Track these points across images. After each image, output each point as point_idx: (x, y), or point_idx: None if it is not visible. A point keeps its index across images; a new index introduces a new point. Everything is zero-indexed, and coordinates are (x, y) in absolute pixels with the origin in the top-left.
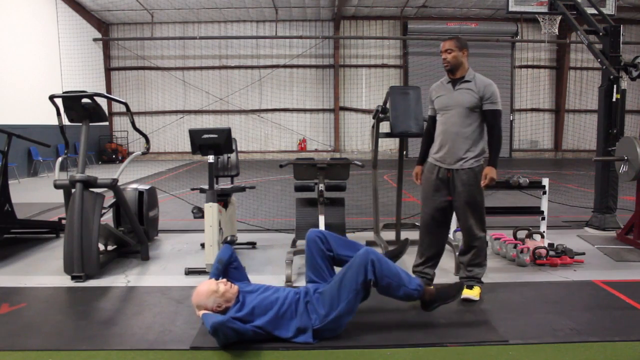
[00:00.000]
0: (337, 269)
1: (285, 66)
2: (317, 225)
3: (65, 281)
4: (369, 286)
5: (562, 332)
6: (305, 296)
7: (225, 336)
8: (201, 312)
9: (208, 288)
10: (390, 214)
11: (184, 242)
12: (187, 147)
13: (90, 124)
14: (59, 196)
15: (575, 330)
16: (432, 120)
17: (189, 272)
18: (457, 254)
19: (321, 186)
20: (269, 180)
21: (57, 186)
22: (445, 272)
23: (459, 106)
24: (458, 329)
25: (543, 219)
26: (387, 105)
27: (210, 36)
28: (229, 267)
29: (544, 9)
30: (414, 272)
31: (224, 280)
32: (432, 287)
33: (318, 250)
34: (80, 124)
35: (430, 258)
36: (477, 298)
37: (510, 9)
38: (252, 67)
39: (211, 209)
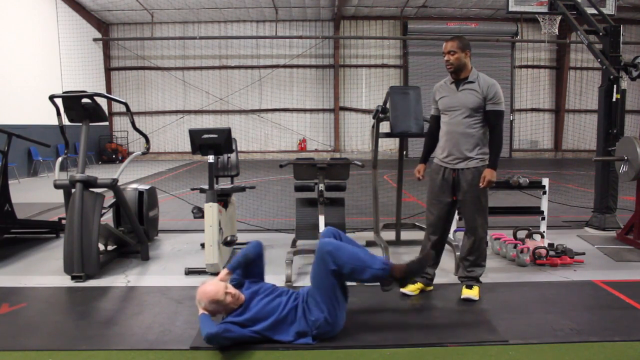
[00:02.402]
0: None
1: (285, 66)
2: (317, 226)
3: (65, 281)
4: (338, 277)
5: (562, 332)
6: (303, 301)
7: (219, 345)
8: (201, 311)
9: (214, 296)
10: (390, 214)
11: (184, 242)
12: (187, 147)
13: (90, 124)
14: (59, 196)
15: (575, 330)
16: (435, 120)
17: (189, 272)
18: (457, 253)
19: (321, 186)
20: (269, 180)
21: (57, 186)
22: (445, 272)
23: (463, 107)
24: (458, 329)
25: (543, 219)
26: (387, 105)
27: (210, 36)
28: (252, 264)
29: (544, 9)
30: None
31: (233, 290)
32: (401, 263)
33: None
34: (80, 124)
35: (434, 258)
36: (477, 298)
37: (510, 9)
38: (252, 67)
39: (211, 209)
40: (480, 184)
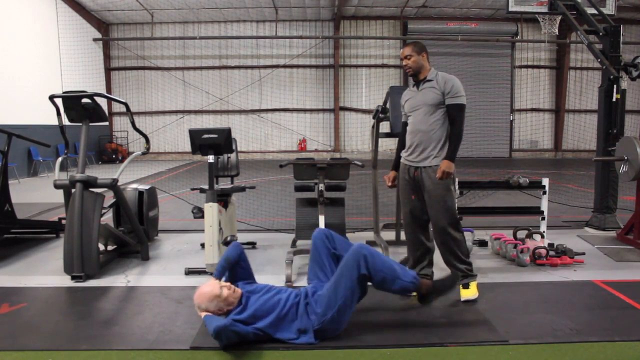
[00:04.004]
0: None
1: (285, 66)
2: (317, 225)
3: (65, 281)
4: (365, 282)
5: (562, 332)
6: (305, 297)
7: (227, 339)
8: (203, 314)
9: (211, 292)
10: (390, 214)
11: (184, 242)
12: (187, 147)
13: (90, 124)
14: (59, 196)
15: (575, 330)
16: (405, 126)
17: (189, 272)
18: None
19: (321, 186)
20: (269, 180)
21: (57, 186)
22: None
23: (424, 104)
24: (458, 329)
25: (543, 219)
26: (387, 105)
27: (210, 36)
28: (235, 266)
29: (544, 9)
30: None
31: (228, 284)
32: (428, 280)
33: (324, 248)
34: (80, 124)
35: (421, 258)
36: (476, 296)
37: (510, 9)
38: (252, 67)
39: (211, 209)
40: (437, 175)
